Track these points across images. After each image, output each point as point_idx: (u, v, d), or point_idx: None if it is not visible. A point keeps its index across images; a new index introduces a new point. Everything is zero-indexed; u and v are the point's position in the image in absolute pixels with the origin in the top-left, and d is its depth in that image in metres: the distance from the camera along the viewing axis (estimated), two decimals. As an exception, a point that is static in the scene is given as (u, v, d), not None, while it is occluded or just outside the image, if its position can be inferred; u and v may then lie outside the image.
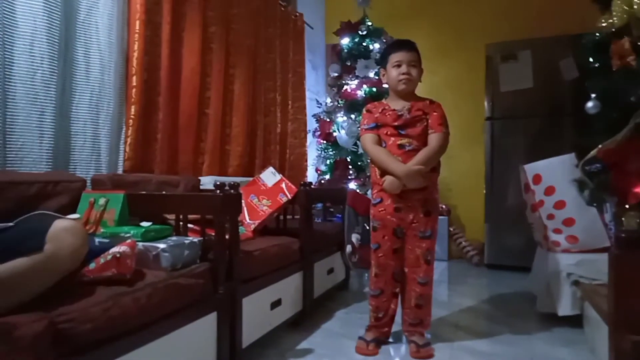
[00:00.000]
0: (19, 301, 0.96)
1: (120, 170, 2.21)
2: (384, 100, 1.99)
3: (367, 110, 1.98)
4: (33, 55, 1.77)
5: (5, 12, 1.69)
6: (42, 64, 1.79)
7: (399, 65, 1.88)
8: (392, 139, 1.88)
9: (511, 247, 3.60)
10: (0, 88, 1.66)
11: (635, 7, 1.37)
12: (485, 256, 3.78)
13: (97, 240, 1.30)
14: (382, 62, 2.00)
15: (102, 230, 1.54)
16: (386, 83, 1.98)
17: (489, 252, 3.74)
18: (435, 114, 1.89)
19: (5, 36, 1.69)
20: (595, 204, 1.57)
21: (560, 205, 2.31)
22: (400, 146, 1.86)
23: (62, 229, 1.06)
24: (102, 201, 1.64)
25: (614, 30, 1.48)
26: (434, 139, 1.86)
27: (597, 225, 2.20)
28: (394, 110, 1.90)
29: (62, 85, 1.92)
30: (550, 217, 2.35)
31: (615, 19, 1.45)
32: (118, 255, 1.21)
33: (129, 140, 2.24)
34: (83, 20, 2.02)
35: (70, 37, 1.97)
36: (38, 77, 1.79)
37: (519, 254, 3.45)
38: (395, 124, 1.87)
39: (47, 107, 1.82)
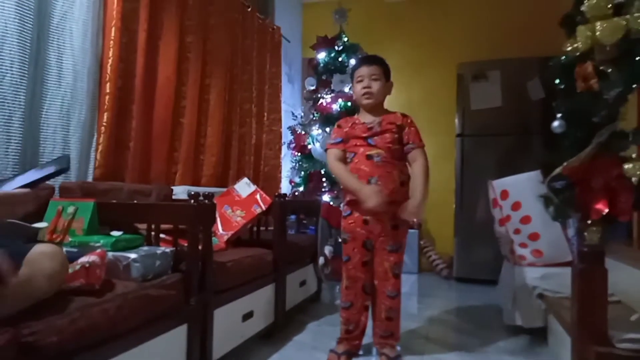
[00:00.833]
0: None
1: (90, 178, 2.16)
2: (355, 115, 2.02)
3: (337, 125, 2.00)
4: (2, 59, 1.72)
5: (-25, 13, 1.64)
6: (11, 67, 1.75)
7: (361, 80, 1.92)
8: (362, 149, 1.89)
9: (479, 260, 3.68)
10: (-33, 91, 1.61)
11: (597, 33, 1.44)
12: (454, 269, 3.85)
13: (64, 249, 1.27)
14: (351, 79, 2.04)
15: (70, 239, 1.50)
16: (355, 99, 2.03)
17: (458, 265, 3.82)
18: (412, 128, 1.92)
19: (-26, 38, 1.64)
20: (560, 220, 1.63)
21: (526, 220, 2.39)
22: (369, 157, 1.86)
23: (41, 253, 1.03)
24: (70, 209, 1.60)
25: (578, 54, 1.55)
26: (419, 163, 1.86)
27: (561, 240, 2.28)
28: (364, 123, 1.93)
29: (32, 90, 1.87)
30: (517, 231, 2.42)
31: (579, 43, 1.52)
32: (87, 265, 1.18)
33: (100, 147, 2.19)
34: (57, 24, 1.98)
35: (42, 41, 1.93)
36: (7, 81, 1.74)
37: (487, 267, 3.53)
38: (364, 135, 1.89)
39: (15, 112, 1.77)
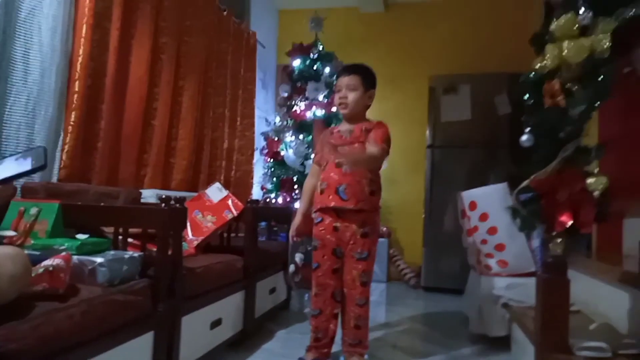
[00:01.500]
0: None
1: (55, 179, 2.08)
2: (339, 124, 2.07)
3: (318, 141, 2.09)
4: (-34, 52, 1.65)
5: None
6: (-25, 61, 1.68)
7: (339, 90, 1.94)
8: (332, 157, 1.89)
9: (447, 270, 3.75)
10: None
11: (564, 52, 1.50)
12: (422, 279, 3.90)
13: (25, 252, 1.21)
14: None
15: (32, 242, 1.44)
16: None
17: (426, 274, 3.87)
18: (378, 130, 1.90)
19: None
20: (526, 230, 1.68)
21: (493, 231, 2.45)
22: (338, 164, 1.79)
23: (2, 255, 0.98)
24: (33, 211, 1.53)
25: (546, 71, 1.61)
26: (369, 147, 1.85)
27: (525, 251, 2.35)
28: (339, 131, 1.97)
29: (-4, 86, 1.80)
30: (484, 242, 2.48)
31: (548, 61, 1.57)
32: (51, 269, 1.13)
33: (66, 147, 2.12)
34: (24, 18, 1.91)
35: (8, 36, 1.85)
36: (-31, 75, 1.67)
37: (454, 277, 3.60)
38: (337, 142, 1.93)
39: (-23, 108, 1.70)
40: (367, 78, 1.95)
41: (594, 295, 1.95)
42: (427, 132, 3.94)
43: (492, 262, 2.47)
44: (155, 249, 1.54)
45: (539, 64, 1.59)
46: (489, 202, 2.47)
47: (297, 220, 2.04)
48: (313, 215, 2.00)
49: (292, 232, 2.06)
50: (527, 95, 1.65)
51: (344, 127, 1.98)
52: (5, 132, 1.86)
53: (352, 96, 1.91)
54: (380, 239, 4.24)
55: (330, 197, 1.87)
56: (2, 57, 1.82)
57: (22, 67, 1.91)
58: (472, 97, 3.79)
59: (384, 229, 4.29)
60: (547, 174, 1.53)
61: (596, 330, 1.65)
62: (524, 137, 1.61)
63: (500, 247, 2.44)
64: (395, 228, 4.43)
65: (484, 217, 2.50)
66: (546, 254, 1.56)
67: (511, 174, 2.28)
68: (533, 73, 1.61)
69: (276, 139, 3.95)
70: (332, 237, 1.90)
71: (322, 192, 1.91)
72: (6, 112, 1.86)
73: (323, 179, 1.92)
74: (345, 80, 1.92)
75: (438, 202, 3.84)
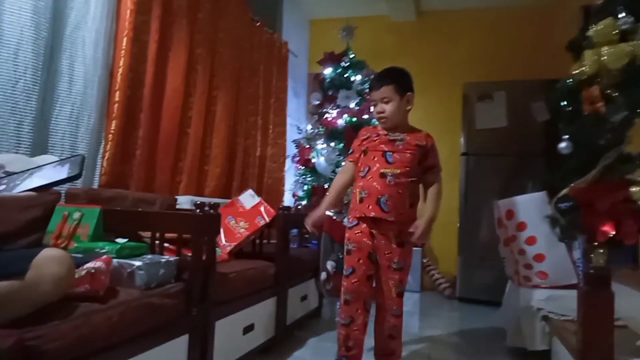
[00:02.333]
0: None
1: (95, 185, 2.17)
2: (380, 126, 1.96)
3: (357, 136, 1.97)
4: (17, 65, 1.75)
5: (-9, 20, 1.67)
6: (25, 73, 1.77)
7: (375, 105, 1.89)
8: (377, 165, 1.82)
9: (483, 281, 3.65)
10: (-20, 95, 1.63)
11: (604, 57, 1.46)
12: (457, 289, 3.82)
13: (70, 255, 1.26)
14: None
15: (74, 245, 1.50)
16: None
17: (461, 285, 3.79)
18: (435, 151, 1.90)
19: (-10, 44, 1.67)
20: (566, 241, 1.62)
21: (531, 241, 2.37)
22: (382, 175, 1.80)
23: (49, 257, 1.03)
24: (76, 215, 1.60)
25: (585, 77, 1.56)
26: (436, 187, 1.89)
27: (566, 262, 2.26)
28: (387, 134, 1.86)
29: (44, 96, 1.90)
30: (522, 252, 2.41)
31: (586, 67, 1.53)
32: (93, 271, 1.18)
33: (107, 155, 2.20)
34: (70, 33, 2.01)
35: (56, 49, 1.95)
36: (20, 86, 1.76)
37: (491, 288, 3.50)
38: (385, 148, 1.83)
39: (26, 117, 1.79)
40: (399, 84, 1.86)
41: (640, 309, 1.86)
42: (462, 140, 3.88)
43: (531, 273, 2.39)
44: (189, 254, 1.57)
45: (576, 70, 1.54)
46: (526, 211, 2.40)
47: (318, 212, 1.94)
48: (345, 221, 1.98)
49: (309, 220, 1.95)
50: (565, 102, 1.61)
51: (392, 132, 1.87)
52: (52, 140, 1.95)
53: (389, 108, 1.84)
54: (414, 248, 4.19)
55: (370, 207, 1.80)
56: (49, 69, 1.92)
57: (67, 79, 2.01)
58: (507, 104, 3.71)
59: (421, 242, 4.24)
60: (587, 183, 1.48)
61: (643, 346, 1.57)
62: (562, 145, 1.57)
63: (539, 258, 2.36)
64: (430, 237, 4.36)
65: (521, 226, 2.42)
66: (588, 265, 1.50)
67: (549, 183, 2.21)
68: (571, 79, 1.57)
69: (307, 146, 3.97)
70: (369, 241, 1.83)
71: (361, 200, 1.83)
72: (52, 121, 1.96)
73: (364, 187, 1.83)
74: (377, 94, 1.86)
75: (473, 211, 3.76)
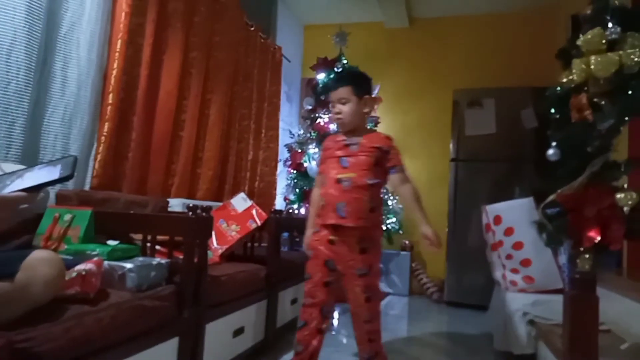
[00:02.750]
0: None
1: (87, 187, 2.16)
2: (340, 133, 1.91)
3: (322, 147, 1.93)
4: (9, 65, 1.74)
5: (-15, 20, 1.67)
6: (17, 74, 1.77)
7: (333, 106, 1.83)
8: (334, 172, 1.78)
9: (471, 285, 3.69)
10: (-28, 95, 1.62)
11: (592, 66, 1.49)
12: (445, 293, 3.85)
13: (60, 256, 1.26)
14: None
15: (65, 247, 1.49)
16: None
17: (449, 289, 3.82)
18: (395, 151, 1.83)
19: (-17, 44, 1.66)
20: (552, 246, 1.65)
21: (518, 246, 2.41)
22: (338, 180, 1.75)
23: (39, 258, 1.03)
24: (67, 217, 1.60)
25: (573, 86, 1.60)
26: (408, 188, 1.80)
27: (552, 267, 2.30)
28: (344, 140, 1.82)
29: (36, 98, 1.89)
30: (509, 257, 2.45)
31: (575, 76, 1.57)
32: (83, 273, 1.18)
33: (99, 157, 2.19)
34: (64, 35, 2.01)
35: (49, 50, 1.95)
36: (12, 87, 1.76)
37: (478, 292, 3.54)
38: (340, 154, 1.79)
39: (17, 118, 1.78)
40: (358, 85, 1.81)
41: (625, 314, 1.89)
42: (451, 146, 3.92)
43: (517, 278, 2.43)
44: (181, 257, 1.57)
45: (565, 78, 1.58)
46: (514, 217, 2.44)
47: (308, 234, 1.90)
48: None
49: (305, 246, 1.91)
50: (554, 109, 1.64)
51: (348, 137, 1.83)
52: (43, 142, 1.95)
53: (346, 109, 1.79)
54: (402, 252, 4.22)
55: (330, 214, 1.76)
56: (43, 70, 1.92)
57: (61, 80, 2.00)
58: (496, 111, 3.76)
59: (406, 242, 4.27)
60: (574, 189, 1.51)
61: (627, 350, 1.61)
62: (551, 151, 1.60)
63: (526, 263, 2.40)
64: (418, 242, 4.39)
65: (509, 231, 2.46)
66: (574, 270, 1.53)
67: (537, 189, 2.25)
68: (559, 87, 1.60)
69: (299, 150, 3.99)
70: (326, 250, 1.77)
71: (322, 207, 1.80)
72: (44, 122, 1.95)
73: (322, 195, 1.81)
74: (335, 94, 1.81)
75: (462, 216, 3.79)
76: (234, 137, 3.40)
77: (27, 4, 1.79)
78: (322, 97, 4.02)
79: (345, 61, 4.08)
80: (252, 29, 3.65)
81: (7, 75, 1.74)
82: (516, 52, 4.22)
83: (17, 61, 1.76)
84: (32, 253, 1.05)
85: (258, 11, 3.85)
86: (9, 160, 1.75)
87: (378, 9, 4.35)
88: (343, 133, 1.86)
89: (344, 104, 1.79)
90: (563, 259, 2.03)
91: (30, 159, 1.87)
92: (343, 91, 1.80)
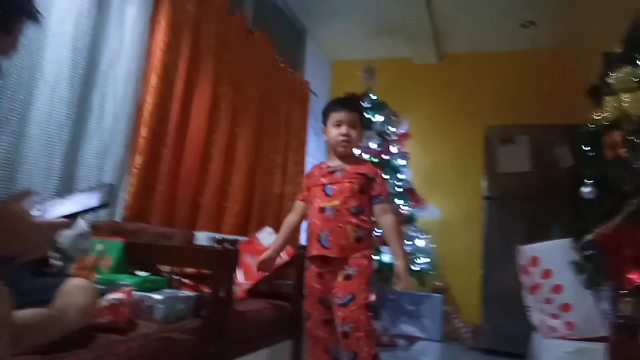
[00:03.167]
0: (21, 351, 0.93)
1: (118, 218, 2.20)
2: (325, 161, 1.88)
3: (306, 175, 1.92)
4: (53, 100, 1.82)
5: (34, 57, 1.76)
6: (59, 108, 1.85)
7: (338, 125, 1.77)
8: (318, 200, 1.73)
9: (508, 330, 3.47)
10: (17, 128, 1.70)
11: (625, 104, 1.46)
12: (480, 339, 3.65)
13: (95, 285, 1.28)
14: (323, 118, 1.86)
15: (97, 276, 1.51)
16: (326, 141, 1.87)
17: (485, 335, 3.61)
18: (382, 179, 1.79)
19: (31, 79, 1.75)
20: (592, 288, 1.58)
21: (557, 289, 2.30)
22: (322, 209, 1.70)
23: (75, 286, 1.07)
24: (99, 247, 1.63)
25: (606, 123, 1.57)
26: (389, 219, 1.73)
27: (594, 313, 2.17)
28: (328, 167, 1.79)
29: (75, 130, 1.96)
30: (547, 301, 2.33)
31: (607, 113, 1.54)
32: (114, 302, 1.19)
33: (130, 189, 2.24)
34: (104, 70, 2.10)
35: (89, 86, 2.04)
36: (54, 120, 1.83)
37: (516, 338, 3.33)
38: (324, 181, 1.75)
39: (57, 150, 1.85)
40: (363, 117, 1.86)
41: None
42: (483, 184, 3.84)
43: (557, 324, 2.30)
44: (207, 290, 1.57)
45: (597, 116, 1.55)
46: (552, 258, 2.33)
47: (265, 254, 1.83)
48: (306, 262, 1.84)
49: (257, 264, 1.84)
50: (587, 147, 1.61)
51: (335, 162, 1.80)
52: (79, 173, 2.01)
53: (354, 134, 1.77)
54: (435, 295, 4.03)
55: (314, 244, 1.70)
56: (82, 104, 2.00)
57: (98, 114, 2.08)
58: (530, 148, 3.69)
59: (439, 283, 4.12)
60: (611, 229, 1.45)
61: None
62: (585, 189, 1.55)
63: (566, 308, 2.27)
64: (451, 283, 4.24)
65: (547, 274, 2.35)
66: (615, 315, 1.45)
67: (574, 229, 2.16)
68: (593, 124, 1.57)
69: (326, 185, 3.98)
70: (318, 285, 1.70)
71: (307, 239, 1.76)
72: (81, 155, 2.02)
73: (309, 225, 1.75)
74: (348, 116, 1.77)
75: (496, 257, 3.65)
76: (261, 171, 3.43)
77: (73, 42, 1.89)
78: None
79: (373, 96, 4.12)
80: (281, 64, 3.74)
81: (51, 109, 1.82)
82: (548, 89, 4.17)
83: (60, 95, 1.85)
84: (69, 281, 1.09)
85: (287, 46, 3.96)
86: (47, 189, 1.81)
87: (407, 45, 4.40)
88: (330, 159, 1.83)
89: (353, 127, 1.77)
90: (605, 303, 1.92)
91: (66, 190, 1.93)
92: (355, 115, 1.79)
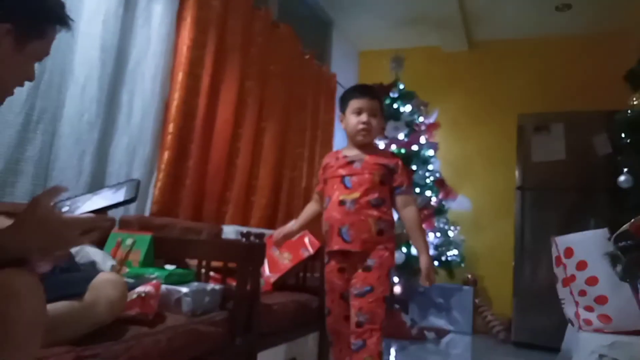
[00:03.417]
0: (53, 343, 0.96)
1: (147, 213, 2.25)
2: (341, 149, 1.82)
3: (322, 166, 1.84)
4: (83, 99, 1.88)
5: (65, 59, 1.82)
6: (90, 107, 1.90)
7: (358, 113, 1.70)
8: (337, 193, 1.66)
9: (540, 324, 3.39)
10: (50, 127, 1.76)
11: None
12: (512, 332, 3.57)
13: (124, 279, 1.31)
14: (341, 106, 1.80)
15: (127, 270, 1.55)
16: (344, 129, 1.80)
17: (517, 328, 3.53)
18: (404, 170, 1.73)
19: (62, 80, 1.81)
20: (628, 280, 1.50)
21: (592, 281, 2.21)
22: (341, 202, 1.64)
23: (105, 280, 1.10)
24: (129, 241, 1.67)
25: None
26: (411, 211, 1.68)
27: (631, 306, 2.08)
28: (345, 157, 1.72)
29: (105, 128, 2.02)
30: (582, 293, 2.24)
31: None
32: (143, 295, 1.22)
33: (159, 184, 2.29)
34: (132, 69, 2.15)
35: (118, 84, 2.09)
36: (84, 119, 1.89)
37: (549, 331, 3.26)
38: (344, 172, 1.68)
39: (88, 148, 1.91)
40: (382, 103, 1.81)
41: None
42: (517, 173, 3.72)
43: (592, 317, 2.21)
44: (234, 284, 1.58)
45: (635, 101, 1.47)
46: (587, 249, 2.24)
47: (285, 228, 1.83)
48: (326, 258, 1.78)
49: (274, 238, 1.83)
50: (624, 134, 1.53)
51: (353, 152, 1.73)
52: (109, 170, 2.06)
53: (374, 122, 1.70)
54: (465, 287, 3.98)
55: (334, 239, 1.65)
56: (111, 103, 2.05)
57: (127, 112, 2.13)
58: (566, 136, 3.54)
59: (469, 276, 4.05)
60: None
61: None
62: (622, 178, 1.48)
63: (601, 300, 2.19)
64: (482, 276, 4.15)
65: (581, 265, 2.26)
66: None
67: (612, 219, 2.07)
68: (630, 110, 1.49)
69: (354, 178, 3.96)
70: (339, 280, 1.67)
71: (326, 233, 1.70)
72: (110, 152, 2.07)
73: (326, 219, 1.70)
74: (369, 104, 1.70)
75: (530, 249, 3.55)
76: (287, 164, 3.44)
77: (101, 43, 1.93)
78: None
79: (401, 86, 4.06)
80: (307, 57, 3.73)
81: (81, 108, 1.88)
82: (584, 74, 3.99)
83: (90, 95, 1.90)
84: (99, 275, 1.12)
85: (313, 39, 3.94)
86: (79, 186, 1.86)
87: (436, 33, 4.30)
88: (348, 149, 1.77)
89: (373, 115, 1.71)
90: (643, 296, 1.84)
91: (97, 187, 1.98)
92: (375, 103, 1.73)
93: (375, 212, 1.64)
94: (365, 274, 1.61)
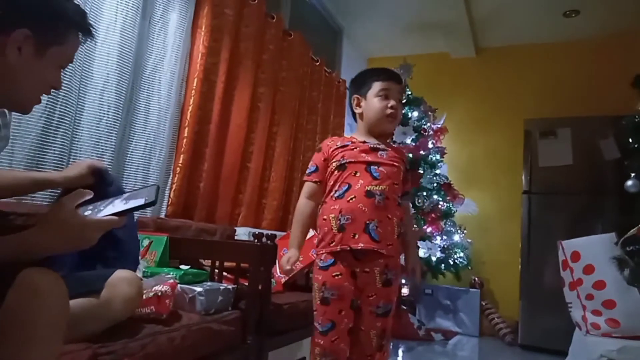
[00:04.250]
0: (70, 340, 0.97)
1: (163, 215, 2.31)
2: (348, 135, 1.60)
3: (318, 149, 1.56)
4: (102, 104, 1.95)
5: (85, 65, 1.89)
6: (108, 112, 1.97)
7: (386, 97, 1.49)
8: (362, 181, 1.42)
9: (547, 327, 3.42)
10: (70, 132, 1.82)
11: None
12: (519, 335, 3.59)
13: (140, 277, 1.36)
14: (359, 87, 1.57)
15: (143, 269, 1.60)
16: (359, 114, 1.56)
17: (524, 331, 3.56)
18: (409, 173, 1.58)
19: (81, 86, 1.88)
20: (635, 284, 1.52)
21: (599, 285, 2.23)
22: (370, 194, 1.40)
23: (121, 278, 1.11)
24: (146, 242, 1.73)
25: (653, 113, 1.50)
26: (409, 216, 1.58)
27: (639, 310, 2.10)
28: (365, 142, 1.49)
29: (122, 133, 2.09)
30: (589, 297, 2.26)
31: (654, 103, 1.48)
32: (159, 294, 1.26)
33: (174, 186, 2.35)
34: (148, 75, 2.22)
35: (135, 89, 2.16)
36: (103, 123, 1.95)
37: (556, 335, 3.26)
38: (369, 158, 1.45)
39: (106, 152, 1.97)
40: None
41: None
42: (523, 178, 3.74)
43: (600, 321, 2.23)
44: (246, 284, 1.63)
45: (644, 106, 1.49)
46: (594, 253, 2.26)
47: (294, 256, 1.51)
48: (316, 257, 1.51)
49: (286, 267, 1.50)
50: (631, 139, 1.55)
51: (372, 140, 1.51)
52: (127, 173, 2.13)
53: (400, 109, 1.53)
54: (472, 289, 4.02)
55: (358, 236, 1.38)
56: (129, 108, 2.12)
57: (144, 116, 2.20)
58: (573, 141, 3.56)
59: (475, 279, 4.08)
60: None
61: None
62: (629, 183, 1.50)
63: (609, 304, 2.20)
64: (489, 279, 4.17)
65: (588, 269, 2.28)
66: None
67: (619, 224, 2.09)
68: (637, 115, 1.51)
69: (363, 182, 4.00)
70: (352, 286, 1.41)
71: (342, 228, 1.40)
72: (128, 155, 2.14)
73: (345, 211, 1.40)
74: (397, 88, 1.52)
75: (536, 252, 3.57)
76: (298, 168, 3.49)
77: (119, 50, 2.00)
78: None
79: (409, 92, 4.09)
80: (317, 63, 3.79)
81: (100, 113, 1.94)
82: (590, 79, 4.01)
83: (108, 100, 1.97)
84: (115, 272, 1.15)
85: (323, 46, 4.00)
86: (97, 189, 1.93)
87: (443, 40, 4.35)
88: (360, 134, 1.54)
89: (399, 101, 1.53)
90: (650, 300, 1.85)
91: (115, 189, 2.05)
92: (401, 89, 1.55)
93: (398, 212, 1.46)
94: (387, 289, 1.42)
